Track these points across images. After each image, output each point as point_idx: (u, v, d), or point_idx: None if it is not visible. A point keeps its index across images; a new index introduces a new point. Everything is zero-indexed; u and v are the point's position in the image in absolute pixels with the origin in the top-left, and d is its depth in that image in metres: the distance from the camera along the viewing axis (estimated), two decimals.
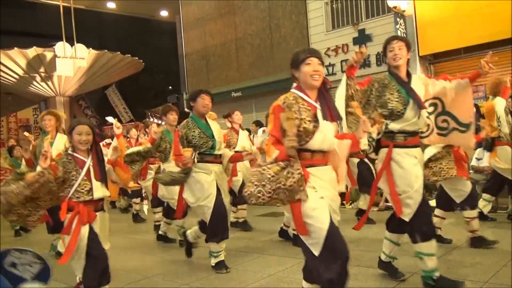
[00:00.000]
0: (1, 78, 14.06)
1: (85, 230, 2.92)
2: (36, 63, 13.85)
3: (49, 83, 14.81)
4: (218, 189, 3.96)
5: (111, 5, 16.41)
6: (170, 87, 21.60)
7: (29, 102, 17.72)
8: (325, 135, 2.38)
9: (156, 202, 5.82)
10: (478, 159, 6.47)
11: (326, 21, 9.97)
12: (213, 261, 4.00)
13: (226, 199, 4.08)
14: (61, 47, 13.45)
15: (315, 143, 2.36)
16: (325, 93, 2.46)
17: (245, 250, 4.80)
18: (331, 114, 2.43)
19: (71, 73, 13.90)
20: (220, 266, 3.99)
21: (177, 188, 4.43)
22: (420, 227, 3.07)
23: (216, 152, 4.03)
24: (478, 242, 4.17)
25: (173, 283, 3.84)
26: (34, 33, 18.70)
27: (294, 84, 2.51)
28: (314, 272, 2.36)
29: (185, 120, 4.09)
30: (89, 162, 3.00)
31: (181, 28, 13.84)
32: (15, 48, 13.35)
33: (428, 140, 3.57)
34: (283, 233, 5.05)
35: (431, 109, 3.40)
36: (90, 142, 3.00)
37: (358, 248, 4.42)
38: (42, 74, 14.39)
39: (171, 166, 4.54)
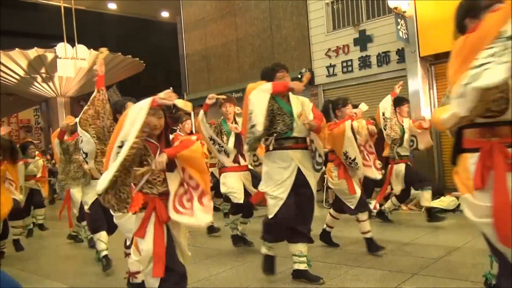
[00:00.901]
0: (2, 78, 14.06)
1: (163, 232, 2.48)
2: (37, 64, 13.85)
3: (50, 83, 14.81)
4: (296, 183, 3.42)
5: (112, 6, 16.44)
6: (171, 88, 21.53)
7: (30, 102, 17.73)
8: None
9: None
10: None
11: (327, 22, 9.97)
12: (296, 266, 3.54)
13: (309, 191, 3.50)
14: (62, 48, 13.45)
15: None
16: None
17: (245, 251, 4.80)
18: None
19: (72, 73, 13.91)
20: (308, 276, 3.51)
21: (235, 181, 4.58)
22: None
23: (296, 134, 3.46)
24: None
25: None
26: (35, 34, 18.70)
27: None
28: None
29: None
30: (162, 147, 2.62)
31: (182, 29, 13.84)
32: (16, 49, 13.35)
33: None
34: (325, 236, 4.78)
35: None
36: (162, 127, 2.61)
37: (359, 248, 4.42)
38: (43, 75, 14.39)
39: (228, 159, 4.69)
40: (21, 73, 14.07)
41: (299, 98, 3.60)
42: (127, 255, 3.38)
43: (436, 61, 8.28)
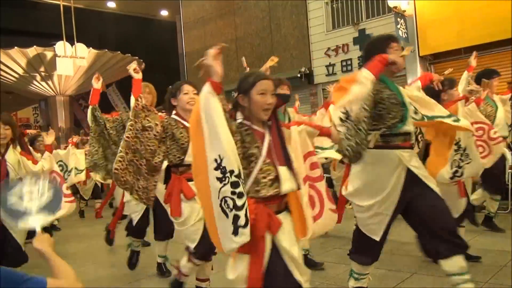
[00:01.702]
0: (2, 77, 14.05)
1: (266, 246, 1.91)
2: (36, 62, 13.84)
3: (49, 82, 14.80)
4: (406, 188, 2.64)
5: (112, 5, 16.41)
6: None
7: (29, 101, 17.72)
8: None
9: None
10: None
11: (326, 21, 9.97)
12: (351, 284, 2.97)
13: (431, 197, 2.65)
14: (61, 46, 13.44)
15: None
16: None
17: None
18: None
19: (71, 72, 13.89)
20: None
21: None
22: None
23: (407, 127, 2.63)
24: None
25: None
26: (34, 32, 18.66)
27: None
28: None
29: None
30: (268, 137, 1.98)
31: (181, 28, 13.85)
32: (16, 47, 13.33)
33: None
34: None
35: None
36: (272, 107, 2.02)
37: None
38: (42, 73, 14.38)
39: None
40: (20, 71, 14.06)
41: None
42: (189, 253, 3.28)
43: (435, 61, 8.29)
